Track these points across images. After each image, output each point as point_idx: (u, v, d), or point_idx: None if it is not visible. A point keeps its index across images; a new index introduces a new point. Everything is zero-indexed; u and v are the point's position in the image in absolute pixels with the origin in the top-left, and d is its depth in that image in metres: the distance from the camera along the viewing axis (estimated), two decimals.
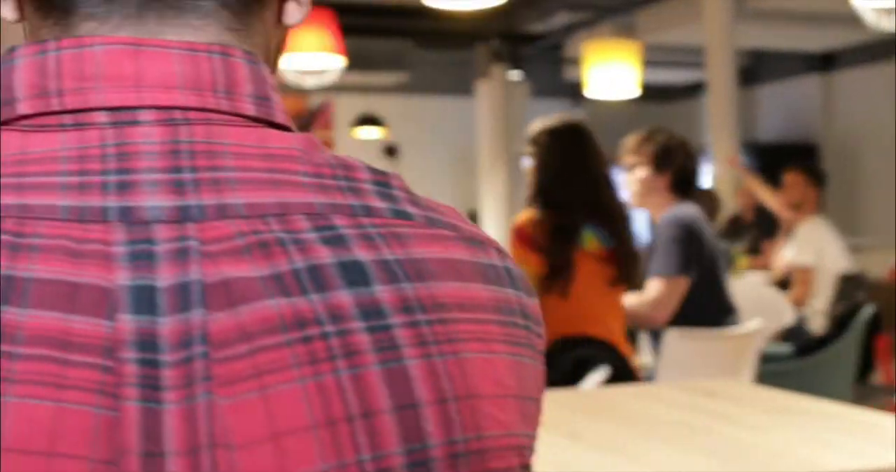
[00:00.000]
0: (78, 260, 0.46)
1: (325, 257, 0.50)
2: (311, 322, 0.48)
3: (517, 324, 0.57)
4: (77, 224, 0.47)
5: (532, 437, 0.58)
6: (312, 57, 5.34)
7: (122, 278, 0.46)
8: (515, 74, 9.98)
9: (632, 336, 3.18)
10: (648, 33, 8.24)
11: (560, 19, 9.13)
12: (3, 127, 0.51)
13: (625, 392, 2.15)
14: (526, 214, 2.92)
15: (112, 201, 0.48)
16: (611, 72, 5.76)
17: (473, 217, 10.41)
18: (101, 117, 0.50)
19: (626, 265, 2.90)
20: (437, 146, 11.83)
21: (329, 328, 0.48)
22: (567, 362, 2.56)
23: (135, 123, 0.50)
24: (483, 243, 0.58)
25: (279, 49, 0.64)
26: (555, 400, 1.99)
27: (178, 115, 0.51)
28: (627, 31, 8.11)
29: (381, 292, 0.50)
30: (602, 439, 1.64)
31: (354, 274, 0.50)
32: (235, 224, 0.49)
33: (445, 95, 11.79)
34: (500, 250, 0.59)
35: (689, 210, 3.10)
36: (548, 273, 2.83)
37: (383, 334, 0.50)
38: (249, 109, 0.53)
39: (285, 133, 0.55)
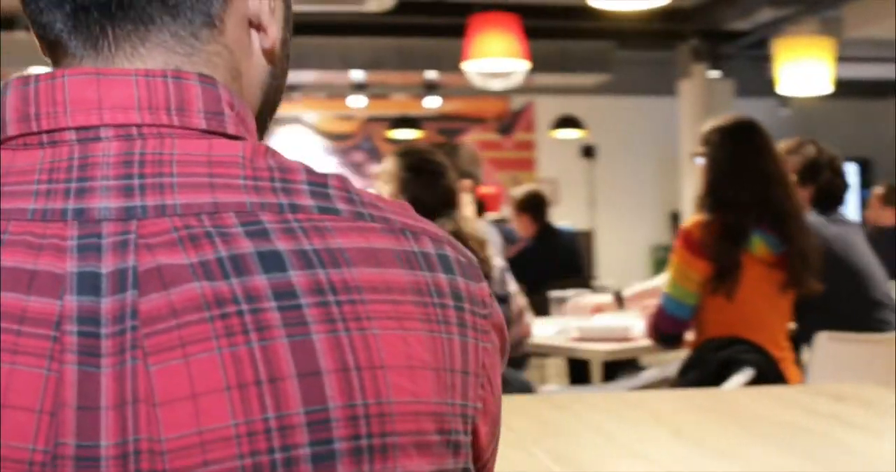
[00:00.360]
0: (37, 252, 0.58)
1: (246, 248, 0.60)
2: (229, 302, 0.58)
3: (444, 305, 0.65)
4: (40, 223, 0.59)
5: (463, 406, 0.65)
6: (498, 61, 5.45)
7: (72, 265, 0.58)
8: (716, 73, 9.78)
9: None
10: (856, 28, 7.92)
11: (764, 15, 8.89)
12: (7, 142, 0.63)
13: (749, 393, 2.14)
14: (694, 218, 2.91)
15: (71, 204, 0.60)
16: (804, 68, 5.60)
17: (675, 218, 10.27)
18: (71, 135, 0.62)
19: (797, 269, 2.86)
20: (637, 147, 11.74)
21: (244, 307, 0.58)
22: (713, 362, 2.56)
23: (97, 139, 0.62)
24: (416, 233, 0.66)
25: (272, 65, 0.75)
26: (675, 398, 2.01)
27: (134, 131, 0.62)
28: (833, 26, 7.82)
29: (296, 276, 0.60)
30: (702, 437, 1.66)
31: (271, 261, 0.59)
32: (171, 221, 0.60)
33: (647, 96, 11.68)
34: (437, 240, 0.67)
35: (815, 221, 3.05)
36: (714, 275, 2.82)
37: (293, 312, 0.59)
38: (200, 123, 0.64)
39: (235, 142, 0.65)
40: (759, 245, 2.84)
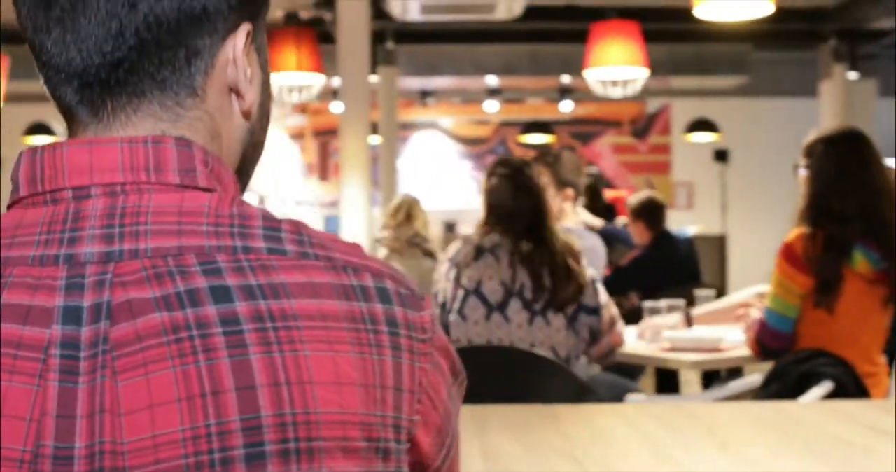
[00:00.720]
0: (33, 291, 0.72)
1: (201, 283, 0.72)
2: (183, 328, 0.71)
3: (378, 331, 0.77)
4: (38, 268, 0.73)
5: (395, 418, 0.77)
6: (618, 69, 5.50)
7: (59, 301, 0.72)
8: (856, 74, 9.53)
9: None
10: None
11: None
12: (15, 205, 0.78)
13: (814, 407, 2.17)
14: (796, 231, 2.91)
15: (63, 250, 0.74)
16: None
17: None
18: (68, 194, 0.76)
19: None
20: (773, 150, 11.50)
21: (195, 333, 0.71)
22: (793, 374, 2.57)
23: (88, 196, 0.76)
24: (358, 269, 0.78)
25: (248, 131, 0.88)
26: (733, 410, 2.06)
27: (118, 188, 0.76)
28: None
29: (240, 306, 0.72)
30: (746, 450, 1.71)
31: (220, 294, 0.72)
32: (142, 262, 0.73)
33: (786, 97, 11.44)
34: (378, 275, 0.79)
35: None
36: (816, 288, 2.82)
37: (236, 336, 0.72)
38: (174, 179, 0.77)
39: (205, 193, 0.78)
40: (860, 260, 2.82)
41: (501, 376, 2.59)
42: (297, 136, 13.20)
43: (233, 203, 0.78)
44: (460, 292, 2.78)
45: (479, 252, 2.80)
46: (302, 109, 12.58)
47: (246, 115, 0.87)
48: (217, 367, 0.71)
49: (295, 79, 5.42)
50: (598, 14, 8.06)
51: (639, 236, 5.41)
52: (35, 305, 0.71)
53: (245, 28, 0.85)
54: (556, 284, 2.74)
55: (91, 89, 0.79)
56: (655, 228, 5.35)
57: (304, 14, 9.13)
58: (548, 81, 11.31)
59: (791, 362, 2.65)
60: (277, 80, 5.44)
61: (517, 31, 9.31)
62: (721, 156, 11.15)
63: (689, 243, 5.54)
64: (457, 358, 0.87)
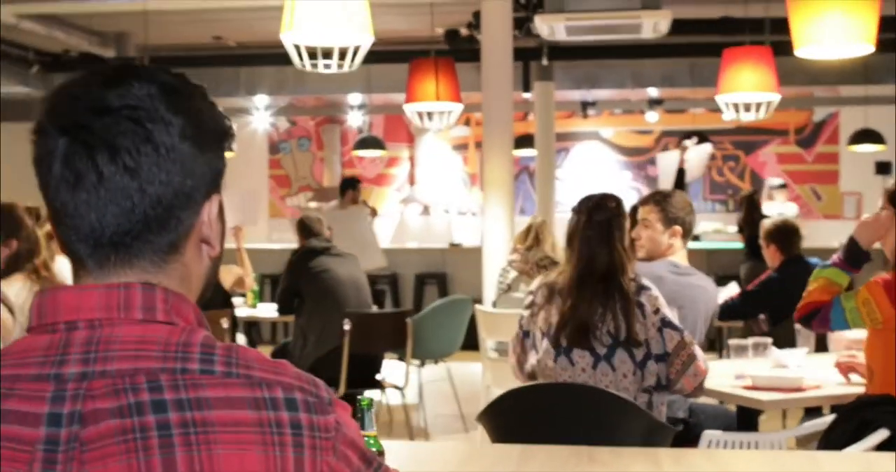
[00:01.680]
0: (30, 402, 1.00)
1: (146, 398, 0.99)
2: (130, 431, 0.98)
3: (282, 433, 1.02)
4: (35, 383, 1.02)
5: None
6: (748, 95, 5.56)
7: (46, 409, 1.00)
8: None
9: None
10: None
11: None
12: (30, 332, 1.06)
13: (849, 459, 2.26)
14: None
15: (53, 370, 1.02)
16: None
17: None
18: (62, 326, 1.04)
19: None
20: None
21: (138, 435, 0.98)
22: (854, 421, 2.66)
23: (76, 328, 1.04)
24: (271, 384, 1.03)
25: (210, 267, 1.14)
26: (770, 459, 2.19)
27: (96, 323, 1.03)
28: None
29: (172, 415, 0.99)
30: None
31: (158, 407, 0.99)
32: (106, 381, 1.00)
33: None
34: (288, 388, 1.04)
35: None
36: None
37: (167, 439, 0.98)
38: (138, 315, 1.04)
39: (163, 326, 1.05)
40: None
41: (575, 414, 2.78)
42: (461, 147, 13.56)
43: (182, 333, 1.05)
44: (538, 332, 2.95)
45: (551, 295, 2.96)
46: (465, 120, 12.92)
47: (213, 259, 1.14)
48: (152, 462, 0.97)
49: (434, 107, 5.71)
50: (755, 26, 8.05)
51: (770, 259, 5.43)
52: (30, 411, 1.00)
53: (216, 198, 1.12)
54: (626, 329, 2.86)
55: (102, 249, 1.07)
56: (787, 253, 5.36)
57: (464, 32, 9.47)
58: (709, 91, 11.25)
59: (855, 408, 2.74)
60: (418, 107, 5.76)
61: (674, 44, 9.33)
62: (883, 168, 10.82)
63: None
64: (367, 450, 1.11)
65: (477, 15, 8.14)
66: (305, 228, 5.69)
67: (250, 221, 6.62)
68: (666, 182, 6.95)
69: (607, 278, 2.91)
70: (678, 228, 3.70)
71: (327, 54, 3.79)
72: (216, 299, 5.47)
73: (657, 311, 2.91)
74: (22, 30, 9.71)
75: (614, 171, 13.24)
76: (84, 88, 1.07)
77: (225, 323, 5.31)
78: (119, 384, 1.00)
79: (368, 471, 1.10)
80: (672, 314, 2.96)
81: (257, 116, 13.59)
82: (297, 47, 3.72)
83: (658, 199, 3.77)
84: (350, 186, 9.06)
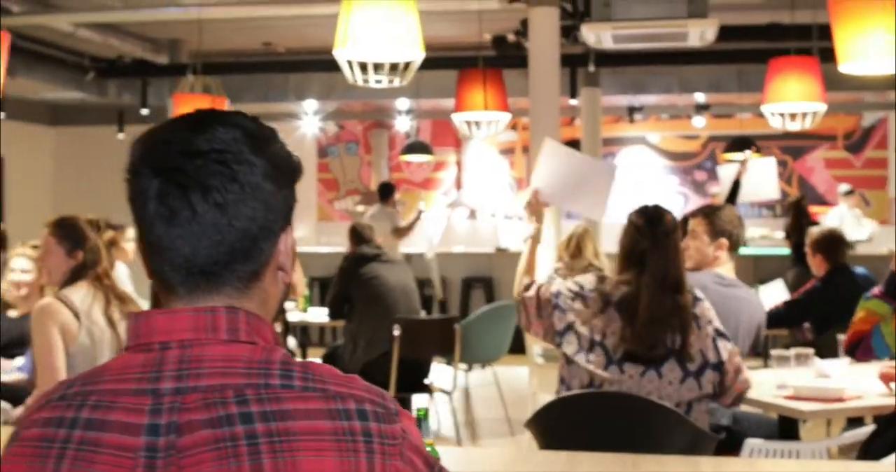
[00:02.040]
0: (131, 413, 1.12)
1: (234, 410, 1.11)
2: (222, 440, 1.09)
3: (356, 440, 1.12)
4: (134, 397, 1.13)
5: None
6: (794, 105, 5.61)
7: (146, 420, 1.11)
8: None
9: None
10: None
11: None
12: (126, 351, 1.18)
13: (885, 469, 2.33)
14: None
15: (150, 386, 1.13)
16: None
17: None
18: (156, 346, 1.16)
19: None
20: None
21: (229, 443, 1.09)
22: (893, 432, 2.72)
23: (169, 348, 1.15)
24: (344, 397, 1.14)
25: (283, 291, 1.25)
26: (799, 467, 2.27)
27: (187, 343, 1.15)
28: None
29: (259, 426, 1.10)
30: None
31: (246, 418, 1.10)
32: (198, 396, 1.12)
33: None
34: (359, 400, 1.15)
35: None
36: None
37: (255, 446, 1.09)
38: (224, 336, 1.16)
39: (246, 345, 1.16)
40: None
41: (621, 423, 2.86)
42: (508, 151, 13.65)
43: (262, 352, 1.16)
44: (587, 340, 3.01)
45: (605, 304, 3.01)
46: (512, 125, 13.00)
47: (287, 283, 1.25)
48: (242, 467, 1.09)
49: (482, 117, 5.82)
50: (803, 32, 8.06)
51: (816, 268, 5.48)
52: (131, 422, 1.12)
53: (290, 229, 1.23)
54: (682, 341, 2.94)
55: (193, 277, 1.19)
56: (833, 262, 5.41)
57: (511, 38, 9.56)
58: (756, 97, 11.24)
59: (893, 420, 2.80)
60: (466, 117, 5.87)
61: (721, 51, 9.35)
62: None
63: (868, 279, 5.54)
64: (429, 455, 1.21)
65: (524, 22, 8.24)
66: (357, 234, 5.82)
67: (299, 226, 6.77)
68: (726, 194, 7.00)
69: (675, 293, 2.98)
70: (724, 241, 3.76)
71: (379, 69, 3.90)
72: None
73: (710, 321, 2.99)
74: (78, 37, 9.96)
75: (660, 176, 13.26)
76: (174, 133, 1.19)
77: (277, 327, 5.44)
78: (210, 398, 1.12)
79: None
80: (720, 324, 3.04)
81: (306, 120, 13.78)
82: (350, 62, 3.83)
83: (707, 212, 3.85)
84: (392, 192, 9.34)
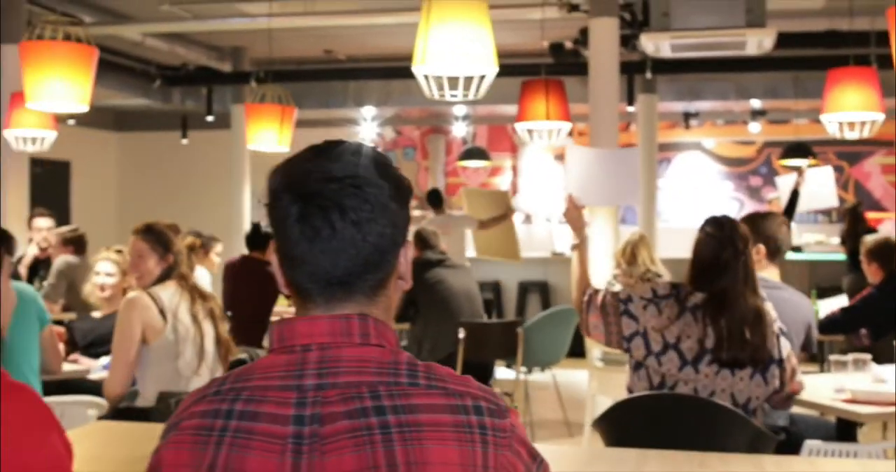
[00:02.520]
0: (279, 406, 1.30)
1: (369, 404, 1.29)
2: (359, 429, 1.27)
3: (472, 432, 1.29)
4: (281, 392, 1.31)
5: None
6: (852, 114, 5.70)
7: (292, 412, 1.29)
8: None
9: None
10: None
11: None
12: (270, 353, 1.36)
13: None
14: None
15: (294, 382, 1.31)
16: None
17: None
18: (298, 348, 1.34)
19: None
20: None
21: (365, 432, 1.27)
22: None
23: (309, 350, 1.33)
24: (462, 395, 1.32)
25: (401, 298, 1.43)
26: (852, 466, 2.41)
27: (325, 346, 1.33)
28: None
29: (390, 418, 1.28)
30: None
31: (379, 410, 1.28)
32: (337, 391, 1.30)
33: None
34: (475, 398, 1.32)
35: None
36: None
37: (388, 435, 1.27)
38: (357, 340, 1.34)
39: (375, 348, 1.34)
40: None
41: (686, 423, 3.01)
42: (562, 157, 13.77)
43: (390, 354, 1.34)
44: (659, 344, 3.16)
45: (681, 312, 3.14)
46: (569, 131, 13.11)
47: (406, 291, 1.43)
48: (377, 453, 1.26)
49: (544, 126, 5.99)
50: (861, 39, 8.11)
51: (872, 276, 5.56)
52: (280, 413, 1.30)
53: (409, 243, 1.41)
54: (741, 340, 3.08)
55: (331, 287, 1.37)
56: (888, 270, 5.48)
57: (568, 45, 9.70)
58: (813, 103, 11.26)
59: None
60: (529, 126, 6.04)
61: (778, 58, 9.40)
62: None
63: None
64: (533, 447, 1.38)
65: (584, 31, 8.38)
66: (422, 240, 6.01)
67: None
68: (785, 204, 7.11)
69: (754, 296, 3.12)
70: (761, 247, 3.85)
71: (454, 83, 4.08)
72: None
73: (774, 321, 3.14)
74: (146, 46, 10.27)
75: (715, 181, 13.31)
76: (311, 162, 1.37)
77: None
78: (347, 393, 1.30)
79: (534, 464, 1.37)
80: None
81: (364, 126, 14.02)
82: (427, 77, 4.01)
83: (749, 219, 3.97)
84: (441, 199, 9.57)
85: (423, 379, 1.32)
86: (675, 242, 7.34)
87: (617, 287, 5.86)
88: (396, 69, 11.12)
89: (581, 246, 3.53)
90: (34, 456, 1.59)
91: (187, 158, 14.28)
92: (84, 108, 4.70)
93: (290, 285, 1.40)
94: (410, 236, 6.26)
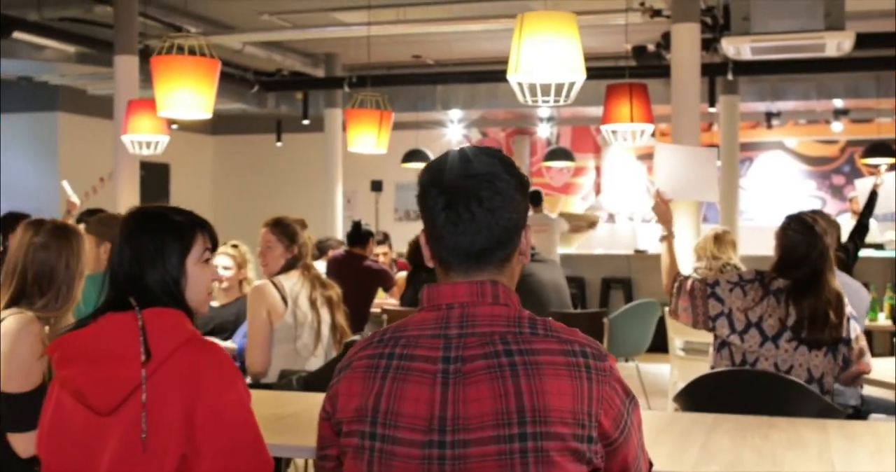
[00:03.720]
0: (429, 350, 1.69)
1: (500, 348, 1.67)
2: (493, 368, 1.66)
3: (580, 370, 1.67)
4: (431, 339, 1.70)
5: (589, 411, 1.66)
6: None
7: (440, 354, 1.68)
8: None
9: None
10: None
11: None
12: (421, 311, 1.75)
13: None
14: None
15: (442, 331, 1.70)
16: None
17: None
18: (444, 307, 1.73)
19: None
20: None
21: (497, 369, 1.66)
22: None
23: (452, 308, 1.72)
24: (572, 342, 1.69)
25: (521, 270, 1.81)
26: None
27: (465, 304, 1.72)
28: None
29: (517, 358, 1.66)
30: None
31: (508, 353, 1.67)
32: (475, 339, 1.69)
33: None
34: (582, 344, 1.70)
35: None
36: None
37: (514, 371, 1.65)
38: (489, 301, 1.72)
39: (502, 307, 1.72)
40: None
41: (759, 396, 3.34)
42: (645, 157, 14.02)
43: (514, 311, 1.72)
44: (742, 323, 3.51)
45: (765, 294, 3.51)
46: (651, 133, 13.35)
47: (522, 265, 1.81)
48: (507, 383, 1.64)
49: (628, 127, 6.32)
50: None
51: None
52: (430, 355, 1.69)
53: (528, 227, 1.79)
54: (825, 321, 3.42)
55: (468, 260, 1.75)
56: None
57: (651, 48, 9.99)
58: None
59: None
60: (614, 127, 6.39)
61: (859, 58, 9.55)
62: None
63: None
64: (627, 386, 1.75)
65: (666, 35, 8.68)
66: None
67: None
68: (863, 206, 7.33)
69: (813, 280, 3.49)
70: None
71: (545, 90, 4.45)
72: None
73: (847, 304, 3.48)
74: (245, 54, 10.82)
75: (798, 180, 13.44)
76: (453, 162, 1.75)
77: None
78: (483, 340, 1.68)
79: (627, 399, 1.74)
80: None
81: (451, 128, 14.45)
82: (521, 85, 4.39)
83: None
84: (541, 198, 9.91)
85: (541, 330, 1.70)
86: (758, 239, 7.56)
87: (713, 275, 6.16)
88: (482, 73, 11.57)
89: (669, 238, 3.90)
90: (226, 397, 2.02)
91: (280, 159, 14.87)
92: (208, 115, 5.18)
93: (435, 258, 1.78)
94: None
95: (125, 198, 8.61)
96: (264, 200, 14.41)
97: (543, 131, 14.35)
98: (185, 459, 1.94)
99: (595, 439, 1.66)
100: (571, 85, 4.42)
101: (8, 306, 2.80)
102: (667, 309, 6.22)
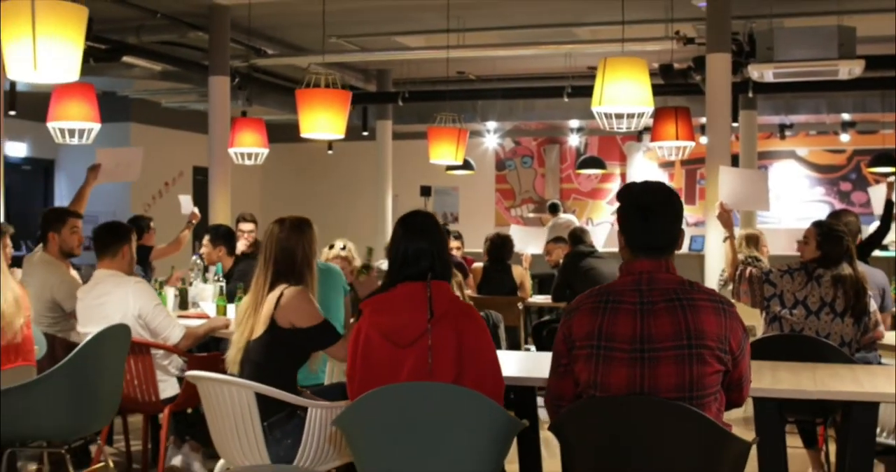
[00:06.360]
0: (631, 298, 2.82)
1: (674, 297, 2.80)
2: (672, 308, 2.78)
3: (720, 312, 2.80)
4: (631, 294, 2.81)
5: (725, 336, 2.79)
6: None
7: (636, 299, 2.81)
8: None
9: None
10: None
11: None
12: (620, 278, 2.90)
13: None
14: None
15: (637, 288, 2.82)
16: None
17: None
18: (637, 274, 2.85)
19: None
20: None
21: (672, 309, 2.79)
22: None
23: (642, 275, 2.85)
24: (711, 293, 2.84)
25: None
26: None
27: (650, 272, 2.85)
28: None
29: (685, 303, 2.79)
30: None
31: (679, 301, 2.80)
32: (658, 291, 2.81)
33: None
34: (720, 298, 2.84)
35: None
36: None
37: (682, 309, 2.77)
38: (664, 270, 2.85)
39: (673, 275, 2.86)
40: None
41: (804, 355, 4.47)
42: (667, 165, 15.17)
43: (678, 277, 2.85)
44: (791, 301, 4.64)
45: (809, 279, 4.67)
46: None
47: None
48: (679, 320, 2.76)
49: (673, 144, 7.50)
50: None
51: None
52: (631, 301, 2.81)
53: (682, 231, 2.94)
54: (856, 298, 4.58)
55: (650, 250, 2.86)
56: None
57: (678, 65, 11.10)
58: None
59: None
60: (661, 144, 7.57)
61: (867, 78, 10.61)
62: None
63: None
64: (744, 324, 2.88)
65: (696, 59, 9.80)
66: (576, 237, 7.54)
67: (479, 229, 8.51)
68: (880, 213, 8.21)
69: (844, 265, 4.65)
70: None
71: (620, 118, 5.61)
72: (510, 291, 7.44)
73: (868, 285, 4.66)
74: (308, 71, 11.93)
75: (808, 186, 14.58)
76: (643, 186, 2.90)
77: (520, 305, 7.24)
78: (664, 294, 2.80)
79: (743, 332, 2.86)
80: None
81: (488, 138, 15.59)
82: (602, 114, 5.55)
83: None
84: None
85: (696, 288, 2.83)
86: (772, 240, 8.54)
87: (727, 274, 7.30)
88: (520, 89, 12.69)
89: (731, 238, 5.09)
90: (480, 341, 3.16)
91: (332, 167, 15.99)
92: (341, 136, 6.33)
93: (630, 248, 2.90)
94: (566, 236, 7.82)
95: (219, 204, 9.74)
96: (314, 205, 15.46)
97: (573, 141, 15.50)
98: (457, 378, 3.06)
99: (727, 351, 2.79)
100: (642, 115, 5.58)
101: (272, 285, 3.85)
102: None
